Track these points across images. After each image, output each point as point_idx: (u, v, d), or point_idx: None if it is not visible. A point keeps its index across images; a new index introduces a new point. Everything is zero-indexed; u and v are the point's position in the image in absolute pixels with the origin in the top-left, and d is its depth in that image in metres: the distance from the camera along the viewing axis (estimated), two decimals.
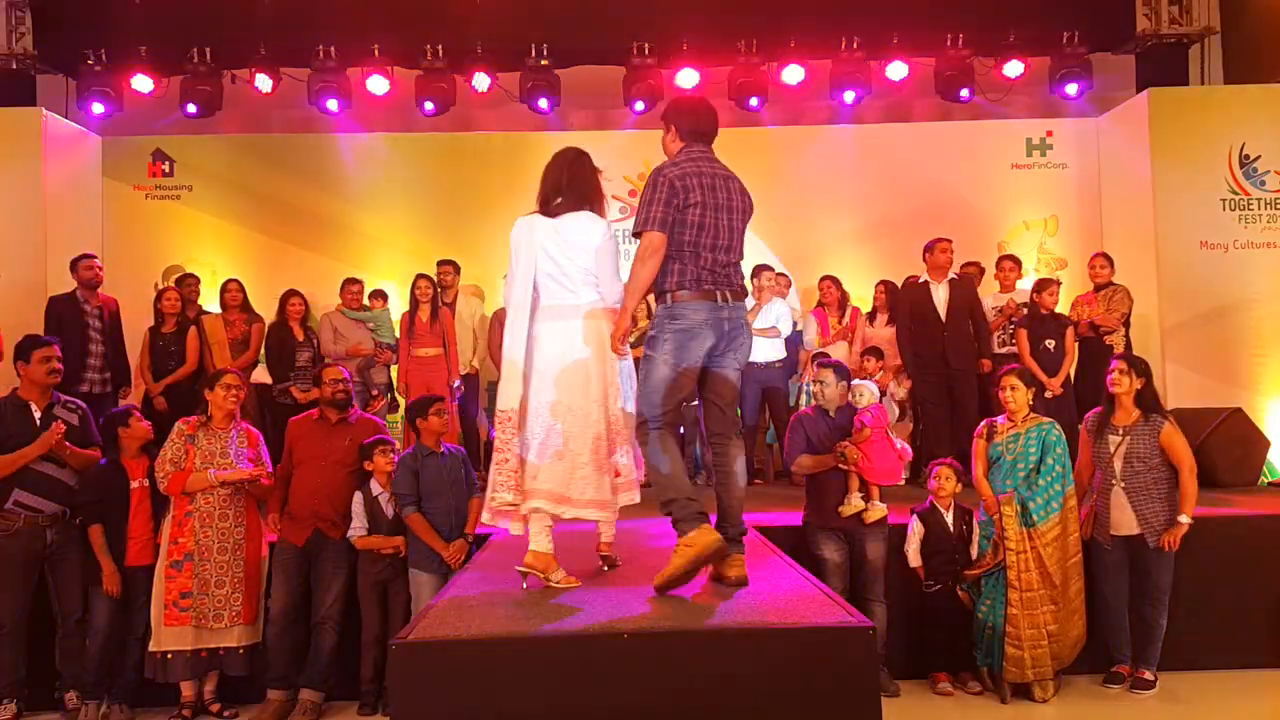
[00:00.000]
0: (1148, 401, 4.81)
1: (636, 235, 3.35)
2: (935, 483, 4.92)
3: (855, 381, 5.01)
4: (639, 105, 8.27)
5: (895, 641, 4.88)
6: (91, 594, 4.71)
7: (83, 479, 4.76)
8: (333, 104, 8.11)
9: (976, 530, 4.90)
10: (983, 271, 7.44)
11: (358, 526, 4.78)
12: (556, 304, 3.41)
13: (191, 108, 8.04)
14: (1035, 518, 4.62)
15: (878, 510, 4.75)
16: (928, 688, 4.85)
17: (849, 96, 8.27)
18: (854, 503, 4.74)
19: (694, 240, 3.34)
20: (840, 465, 4.74)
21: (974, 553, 4.89)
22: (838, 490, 4.80)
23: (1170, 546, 4.65)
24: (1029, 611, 4.58)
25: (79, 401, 5.01)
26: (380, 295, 7.49)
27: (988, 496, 4.77)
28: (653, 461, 3.35)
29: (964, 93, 8.25)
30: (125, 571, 4.69)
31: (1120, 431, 4.80)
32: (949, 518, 4.90)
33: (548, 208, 3.53)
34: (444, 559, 4.67)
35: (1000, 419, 4.90)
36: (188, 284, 7.25)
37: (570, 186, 3.51)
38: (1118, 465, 4.75)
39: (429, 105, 8.16)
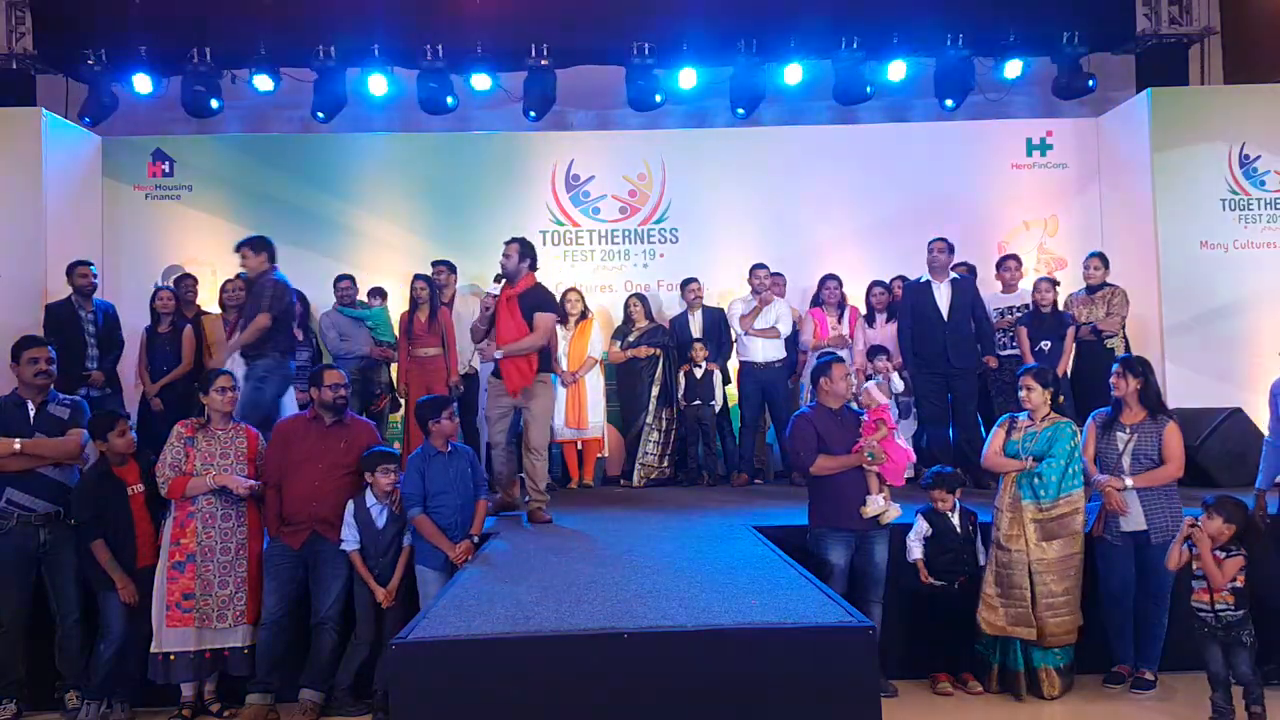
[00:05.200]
0: (1152, 401, 4.87)
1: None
2: (934, 503, 4.92)
3: (868, 384, 5.02)
4: (657, 98, 8.28)
5: (894, 642, 4.87)
6: (103, 599, 4.68)
7: (75, 492, 4.74)
8: (345, 101, 8.17)
9: (979, 535, 4.92)
10: (973, 271, 7.41)
11: (349, 538, 4.71)
12: None
13: (188, 110, 8.08)
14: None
15: (895, 510, 4.74)
16: (926, 688, 4.85)
17: (848, 97, 8.28)
18: (879, 503, 4.70)
19: None
20: (865, 465, 4.71)
21: (982, 557, 4.91)
22: (853, 490, 4.74)
23: (1108, 502, 4.72)
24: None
25: (74, 398, 5.01)
26: (379, 293, 7.49)
27: (1008, 464, 4.81)
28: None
29: (949, 104, 8.34)
30: (137, 575, 4.67)
31: (1129, 430, 4.85)
32: (955, 518, 4.91)
33: None
34: (450, 559, 4.65)
35: (1022, 415, 4.93)
36: (185, 284, 7.24)
37: None
38: (1126, 462, 4.80)
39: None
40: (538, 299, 5.64)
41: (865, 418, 4.84)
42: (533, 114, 8.33)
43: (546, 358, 5.72)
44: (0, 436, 4.63)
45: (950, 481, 4.93)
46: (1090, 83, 8.23)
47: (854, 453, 4.73)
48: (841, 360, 4.98)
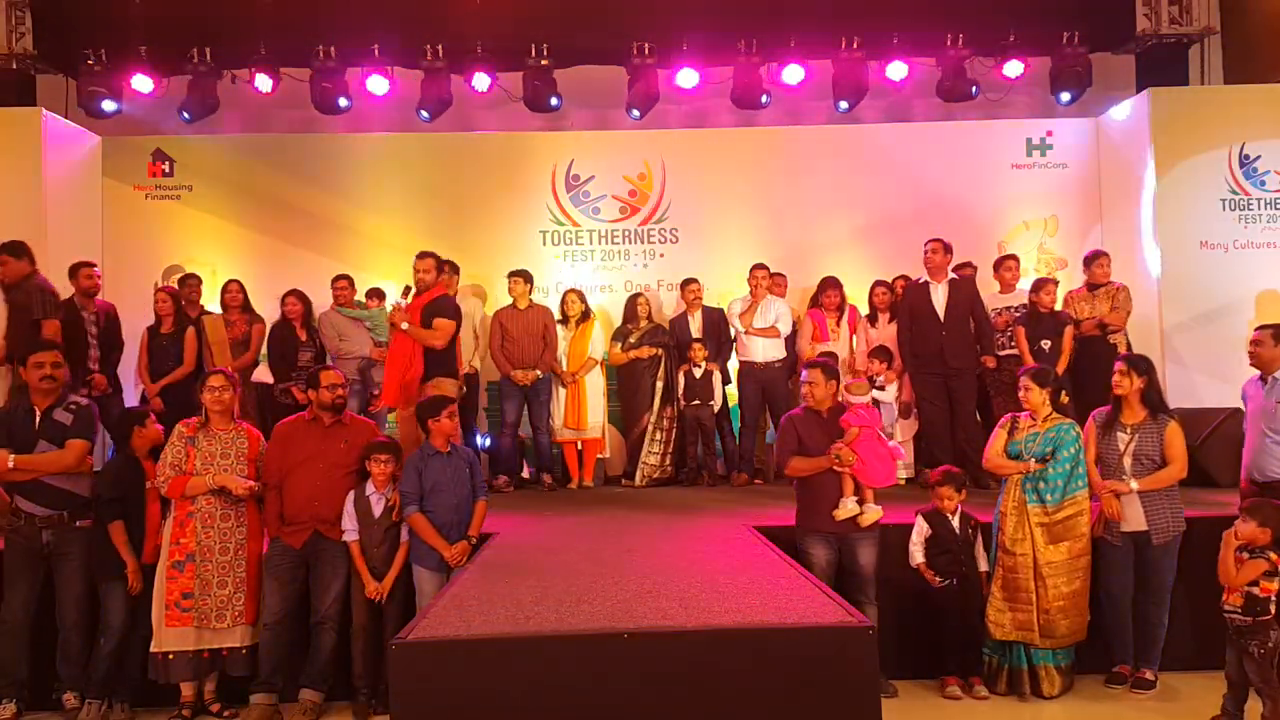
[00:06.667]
0: (1153, 400, 4.86)
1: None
2: (939, 501, 4.90)
3: (843, 386, 5.00)
4: (635, 113, 8.31)
5: (893, 643, 4.86)
6: (106, 592, 4.69)
7: (101, 476, 4.79)
8: (343, 101, 8.14)
9: (979, 538, 4.92)
10: (975, 270, 7.41)
11: (349, 528, 4.74)
12: None
13: (188, 112, 8.09)
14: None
15: (873, 513, 4.71)
16: (926, 688, 4.84)
17: (847, 102, 8.27)
18: (849, 506, 4.69)
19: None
20: (835, 468, 4.70)
21: (982, 561, 4.90)
22: (830, 492, 4.73)
23: (1108, 509, 4.71)
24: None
25: (81, 401, 4.98)
26: (377, 294, 7.49)
27: (1010, 466, 4.80)
28: None
29: (974, 90, 8.28)
30: (142, 569, 4.69)
31: (1129, 430, 4.84)
32: (955, 520, 4.90)
33: None
34: (444, 559, 4.65)
35: (1024, 415, 4.92)
36: (189, 284, 7.24)
37: None
38: (1127, 463, 4.79)
39: (424, 114, 8.21)
40: (436, 307, 5.83)
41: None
42: (555, 100, 8.24)
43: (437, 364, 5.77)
44: (4, 445, 4.63)
45: (958, 480, 4.93)
46: (1064, 97, 8.21)
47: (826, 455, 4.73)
48: (818, 365, 4.97)
